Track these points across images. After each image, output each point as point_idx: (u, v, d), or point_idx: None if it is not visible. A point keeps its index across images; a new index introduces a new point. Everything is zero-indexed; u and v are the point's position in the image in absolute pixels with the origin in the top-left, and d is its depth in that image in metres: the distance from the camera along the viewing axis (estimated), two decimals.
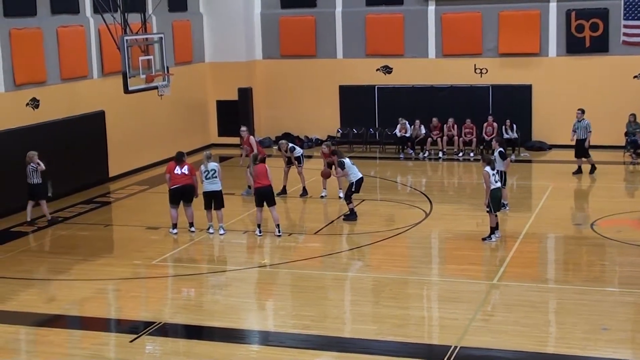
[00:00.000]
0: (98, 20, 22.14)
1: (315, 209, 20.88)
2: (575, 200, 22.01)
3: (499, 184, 17.36)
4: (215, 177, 18.24)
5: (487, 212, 17.23)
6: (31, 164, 19.25)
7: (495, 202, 17.13)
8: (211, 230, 18.42)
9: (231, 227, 18.76)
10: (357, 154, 26.80)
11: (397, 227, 18.67)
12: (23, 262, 16.95)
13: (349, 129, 28.55)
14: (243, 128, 22.29)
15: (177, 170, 18.29)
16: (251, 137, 22.03)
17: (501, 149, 19.05)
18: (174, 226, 18.47)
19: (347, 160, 19.49)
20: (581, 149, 23.10)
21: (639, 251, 16.44)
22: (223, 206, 18.44)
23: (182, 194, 18.33)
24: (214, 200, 18.32)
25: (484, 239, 17.24)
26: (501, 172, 18.43)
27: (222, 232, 18.34)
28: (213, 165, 18.32)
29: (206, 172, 18.23)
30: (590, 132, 23.01)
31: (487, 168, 17.06)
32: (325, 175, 20.77)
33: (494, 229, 17.23)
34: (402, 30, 28.06)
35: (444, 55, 27.79)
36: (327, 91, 28.89)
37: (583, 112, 23.29)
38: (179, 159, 18.43)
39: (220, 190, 18.38)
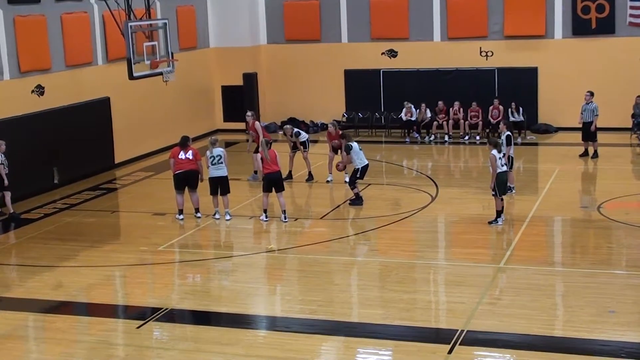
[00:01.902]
0: (102, 6, 22.07)
1: (321, 193, 20.86)
2: (582, 182, 21.95)
3: (505, 168, 17.31)
4: (221, 162, 18.22)
5: (493, 195, 17.20)
6: None
7: (501, 185, 17.09)
8: (217, 216, 18.42)
9: (237, 213, 18.76)
10: (363, 138, 26.72)
11: (403, 211, 18.65)
12: (30, 249, 16.99)
13: (354, 113, 28.49)
14: (249, 113, 22.24)
15: (182, 155, 18.28)
16: (256, 122, 21.98)
17: (508, 133, 19.00)
18: (180, 212, 18.48)
19: (354, 145, 19.33)
20: (588, 132, 23.01)
21: None
22: (229, 192, 18.43)
23: (186, 179, 18.32)
24: (220, 186, 18.31)
25: (490, 223, 17.22)
26: (509, 155, 18.41)
27: (228, 217, 18.34)
28: (218, 150, 18.30)
29: (212, 158, 18.21)
30: (597, 115, 22.89)
31: (494, 151, 17.01)
32: (341, 169, 20.38)
33: (500, 213, 17.20)
34: (407, 13, 27.96)
35: (449, 38, 27.69)
36: (332, 75, 28.83)
37: (592, 94, 23.15)
38: (184, 143, 18.41)
39: (226, 176, 18.37)
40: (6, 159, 18.93)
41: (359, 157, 19.24)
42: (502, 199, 17.24)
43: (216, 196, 18.39)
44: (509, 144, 18.71)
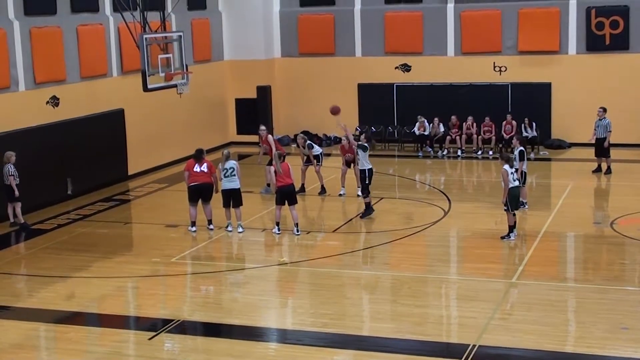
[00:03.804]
0: (117, 18, 22.22)
1: (334, 207, 20.88)
2: (595, 198, 21.89)
3: (517, 183, 17.28)
4: (234, 175, 18.27)
5: (505, 210, 17.17)
6: (9, 164, 18.87)
7: (513, 200, 17.06)
8: (230, 228, 18.46)
9: (250, 225, 18.79)
10: (376, 152, 26.63)
11: (416, 225, 18.65)
12: (43, 260, 17.05)
13: (367, 127, 28.46)
14: (262, 127, 22.31)
15: (196, 168, 18.34)
16: (270, 135, 22.04)
17: (521, 148, 18.98)
18: (193, 224, 18.52)
19: (367, 151, 19.22)
20: (601, 148, 22.96)
21: None
22: (242, 204, 18.47)
23: (200, 192, 18.39)
24: (233, 199, 18.35)
25: (502, 238, 17.19)
26: (522, 170, 18.39)
27: (240, 230, 18.38)
28: (231, 163, 18.35)
29: (224, 171, 18.27)
30: (610, 131, 22.84)
31: (506, 166, 17.00)
32: (334, 111, 20.45)
33: (512, 228, 17.17)
34: (421, 28, 28.01)
35: (463, 53, 27.72)
36: (346, 89, 28.86)
37: (605, 110, 23.12)
38: (198, 156, 18.48)
39: (239, 189, 18.41)
40: (16, 170, 19.00)
41: (366, 159, 19.15)
42: (514, 214, 17.20)
43: (229, 208, 18.43)
44: (521, 159, 18.68)
